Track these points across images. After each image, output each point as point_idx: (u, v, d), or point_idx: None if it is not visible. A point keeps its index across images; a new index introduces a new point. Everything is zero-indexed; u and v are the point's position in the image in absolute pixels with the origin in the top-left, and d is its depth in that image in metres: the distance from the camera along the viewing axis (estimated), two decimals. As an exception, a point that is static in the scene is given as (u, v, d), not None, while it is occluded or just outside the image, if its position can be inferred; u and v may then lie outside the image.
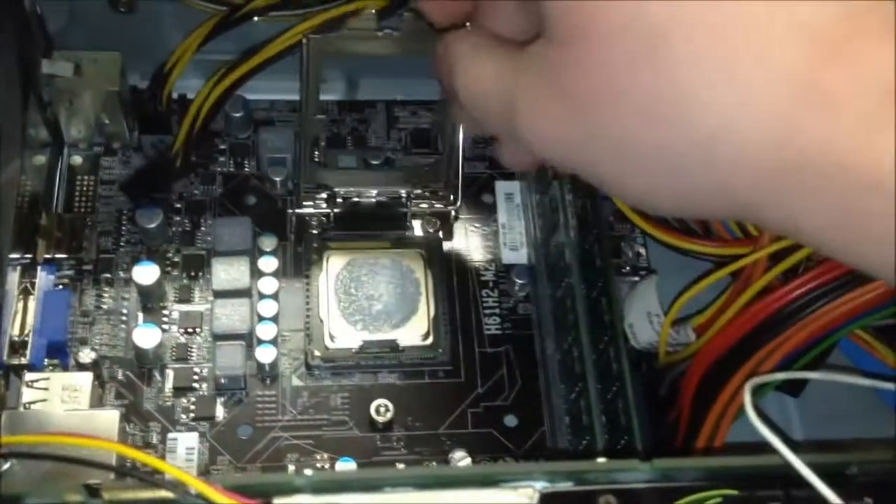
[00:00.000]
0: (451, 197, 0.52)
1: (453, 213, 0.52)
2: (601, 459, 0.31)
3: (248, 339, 0.47)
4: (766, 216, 0.28)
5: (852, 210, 0.25)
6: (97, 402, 0.44)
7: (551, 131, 0.30)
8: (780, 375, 0.39)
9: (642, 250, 0.52)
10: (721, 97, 0.26)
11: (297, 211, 0.51)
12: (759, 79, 0.25)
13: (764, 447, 0.31)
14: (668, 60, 0.26)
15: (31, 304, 0.46)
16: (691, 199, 0.29)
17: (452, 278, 0.51)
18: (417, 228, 0.52)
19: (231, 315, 0.47)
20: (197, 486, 0.29)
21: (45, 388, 0.42)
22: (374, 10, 0.45)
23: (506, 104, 0.32)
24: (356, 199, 0.51)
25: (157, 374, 0.47)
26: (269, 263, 0.49)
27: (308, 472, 0.29)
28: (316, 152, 0.51)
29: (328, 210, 0.51)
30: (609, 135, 0.28)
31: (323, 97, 0.55)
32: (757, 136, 0.26)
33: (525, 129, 0.31)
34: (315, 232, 0.51)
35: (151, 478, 0.30)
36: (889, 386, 0.35)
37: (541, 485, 0.30)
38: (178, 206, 0.51)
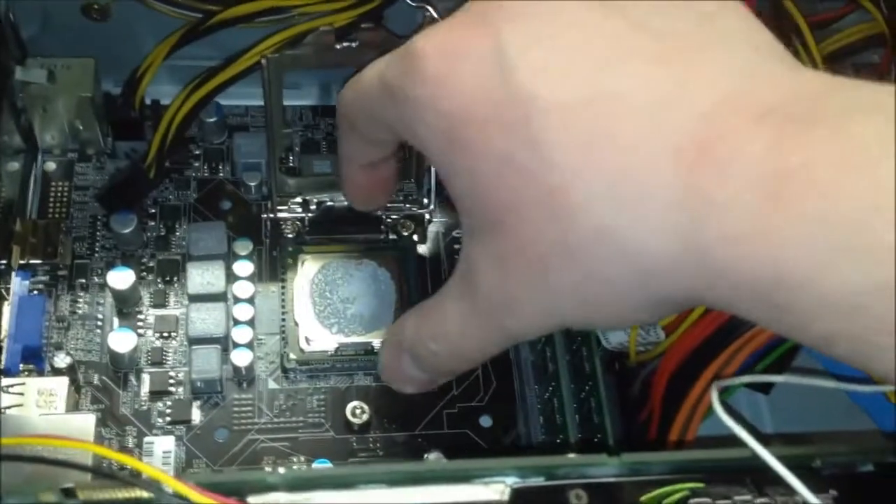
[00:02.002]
0: (425, 200, 0.52)
1: (427, 216, 0.52)
2: (571, 455, 0.32)
3: (224, 343, 0.47)
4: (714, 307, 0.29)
5: (773, 306, 0.26)
6: (73, 406, 0.44)
7: (540, 314, 0.32)
8: (745, 378, 0.39)
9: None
10: (625, 229, 0.27)
11: (272, 216, 0.51)
12: (645, 202, 0.27)
13: (733, 441, 0.31)
14: (573, 210, 0.28)
15: (6, 309, 0.46)
16: (647, 312, 0.30)
17: (427, 281, 0.51)
18: (391, 232, 0.52)
19: (206, 319, 0.47)
20: (173, 484, 0.29)
21: (21, 393, 0.42)
22: (332, 25, 0.46)
23: (487, 322, 0.33)
24: (330, 204, 0.52)
25: (132, 379, 0.47)
26: (244, 267, 0.49)
27: (282, 469, 0.29)
28: (291, 157, 0.52)
29: (303, 214, 0.51)
30: (565, 287, 0.30)
31: (297, 103, 0.55)
32: (667, 254, 0.27)
33: (507, 321, 0.32)
34: (290, 236, 0.51)
35: (128, 477, 0.31)
36: (851, 387, 0.36)
37: (512, 480, 0.30)
38: (153, 211, 0.51)
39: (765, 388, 0.47)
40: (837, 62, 0.52)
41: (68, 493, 0.30)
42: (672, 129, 0.26)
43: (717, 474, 0.31)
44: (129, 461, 0.32)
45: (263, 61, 0.45)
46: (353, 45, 0.46)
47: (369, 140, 0.38)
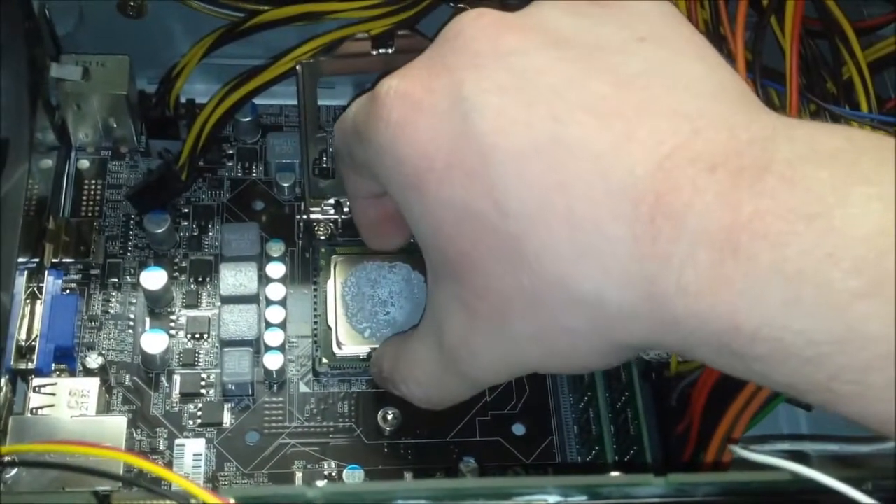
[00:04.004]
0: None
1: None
2: (615, 473, 0.31)
3: (256, 346, 0.47)
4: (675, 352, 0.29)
5: (734, 355, 0.26)
6: (104, 407, 0.44)
7: (502, 362, 0.33)
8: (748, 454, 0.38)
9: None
10: (582, 279, 0.28)
11: (305, 217, 0.51)
12: (602, 253, 0.27)
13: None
14: (530, 260, 0.28)
15: (39, 308, 0.45)
16: (606, 357, 0.31)
17: (461, 285, 0.50)
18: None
19: (238, 321, 0.47)
20: (207, 498, 0.28)
21: (53, 394, 0.42)
22: (368, 32, 0.45)
23: (453, 370, 0.35)
24: (364, 205, 0.51)
25: (164, 380, 0.46)
26: (276, 269, 0.49)
27: (320, 483, 0.29)
28: (325, 158, 0.51)
29: (336, 216, 0.51)
30: (525, 335, 0.31)
31: (331, 102, 0.55)
32: (626, 304, 0.27)
33: (471, 369, 0.34)
34: (323, 238, 0.50)
35: (160, 489, 0.30)
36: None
37: (554, 499, 0.30)
38: (186, 210, 0.51)
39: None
40: (883, 69, 0.51)
41: (102, 499, 0.30)
42: (624, 180, 0.26)
43: (766, 496, 0.30)
44: (162, 472, 0.31)
45: (298, 67, 0.45)
46: (389, 51, 0.46)
47: (360, 174, 0.38)
